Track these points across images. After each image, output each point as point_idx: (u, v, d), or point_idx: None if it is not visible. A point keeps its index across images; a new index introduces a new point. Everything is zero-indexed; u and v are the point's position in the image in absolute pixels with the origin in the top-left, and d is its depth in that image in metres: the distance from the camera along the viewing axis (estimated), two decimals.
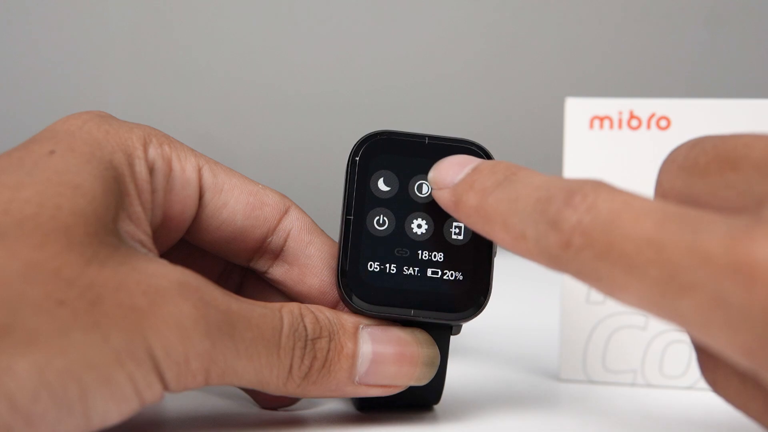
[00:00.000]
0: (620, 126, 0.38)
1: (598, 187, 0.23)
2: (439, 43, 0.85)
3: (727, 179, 0.23)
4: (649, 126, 0.38)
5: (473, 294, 0.30)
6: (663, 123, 0.38)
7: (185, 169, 0.30)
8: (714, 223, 0.21)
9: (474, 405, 0.34)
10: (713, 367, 0.25)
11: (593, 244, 0.22)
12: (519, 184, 0.25)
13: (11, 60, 0.81)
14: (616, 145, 0.38)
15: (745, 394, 0.24)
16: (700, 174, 0.24)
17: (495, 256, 0.31)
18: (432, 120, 0.84)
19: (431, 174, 0.29)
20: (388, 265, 0.30)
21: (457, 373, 0.35)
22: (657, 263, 0.21)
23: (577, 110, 0.39)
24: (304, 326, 0.28)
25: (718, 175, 0.23)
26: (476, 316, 0.30)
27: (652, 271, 0.21)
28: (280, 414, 0.32)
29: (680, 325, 0.21)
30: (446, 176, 0.28)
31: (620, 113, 0.38)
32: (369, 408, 0.32)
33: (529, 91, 0.85)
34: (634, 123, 0.38)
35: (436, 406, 0.33)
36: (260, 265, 0.33)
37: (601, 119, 0.38)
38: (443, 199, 0.28)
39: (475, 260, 0.31)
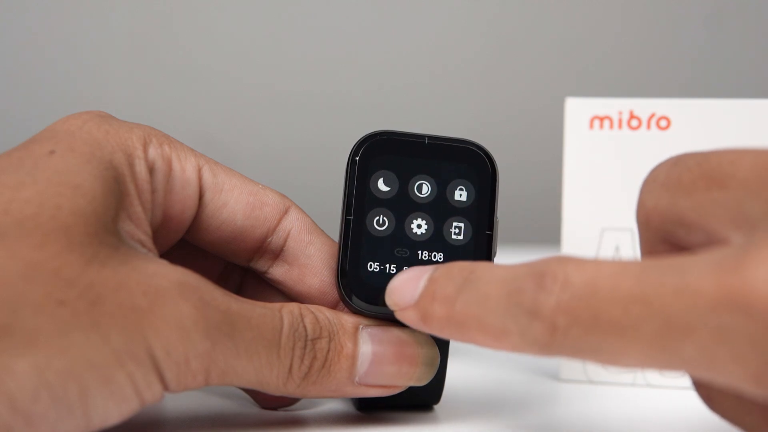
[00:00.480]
0: (620, 126, 0.38)
1: (563, 262, 0.22)
2: (439, 42, 0.85)
3: (714, 197, 0.22)
4: (649, 126, 0.38)
5: None
6: (663, 123, 0.38)
7: (185, 169, 0.30)
8: (696, 261, 0.20)
9: (474, 405, 0.34)
10: (707, 385, 0.25)
11: (579, 320, 0.21)
12: (481, 282, 0.24)
13: (11, 60, 0.81)
14: (616, 145, 0.38)
15: (741, 409, 0.24)
16: (685, 192, 0.23)
17: (495, 256, 0.31)
18: (432, 120, 0.84)
19: (388, 298, 0.28)
20: (387, 266, 0.30)
21: (457, 373, 0.35)
22: (648, 318, 0.20)
23: (577, 110, 0.39)
24: (304, 326, 0.28)
25: (704, 193, 0.23)
26: None
27: (645, 328, 0.20)
28: (280, 414, 0.32)
29: (688, 371, 0.21)
30: (404, 295, 0.27)
31: (620, 113, 0.38)
32: (369, 408, 0.32)
33: (529, 91, 0.85)
34: (634, 123, 0.38)
35: (436, 406, 0.33)
36: (260, 265, 0.33)
37: (601, 119, 0.38)
38: (409, 319, 0.27)
39: (475, 260, 0.30)
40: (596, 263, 0.22)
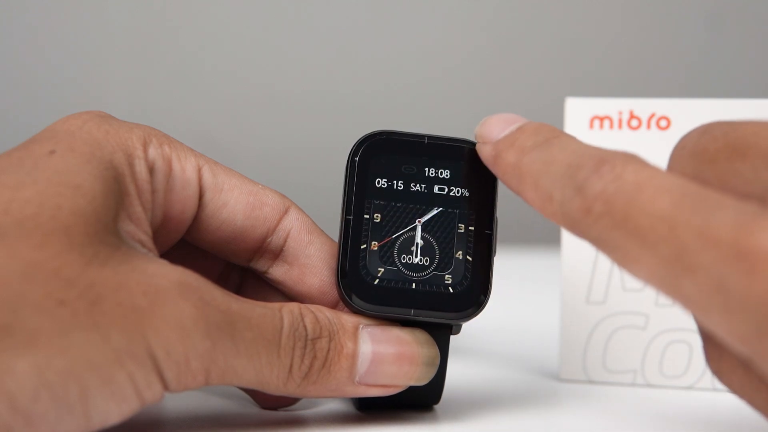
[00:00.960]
0: (620, 126, 0.38)
1: (628, 159, 0.24)
2: (439, 42, 0.85)
3: (735, 167, 0.23)
4: (649, 126, 0.38)
5: (473, 294, 0.30)
6: (663, 123, 0.38)
7: (185, 169, 0.30)
8: (726, 207, 0.21)
9: (474, 405, 0.34)
10: (718, 357, 0.25)
11: (612, 214, 0.23)
12: (556, 147, 0.26)
13: (11, 60, 0.81)
14: (616, 146, 0.38)
15: (750, 386, 0.24)
16: (710, 161, 0.24)
17: (494, 255, 0.31)
18: (432, 120, 0.84)
19: (478, 128, 0.29)
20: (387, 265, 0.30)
21: (457, 373, 0.35)
22: (668, 241, 0.21)
23: (577, 110, 0.39)
24: (304, 326, 0.28)
25: (726, 163, 0.23)
26: (476, 315, 0.30)
27: (662, 248, 0.22)
28: (281, 414, 0.32)
29: (683, 305, 0.22)
30: (491, 131, 0.29)
31: (620, 113, 0.38)
32: (369, 408, 0.32)
33: (529, 91, 0.85)
34: (634, 123, 0.38)
35: (436, 406, 0.33)
36: (260, 265, 0.33)
37: (601, 119, 0.38)
38: (484, 153, 0.29)
39: (475, 261, 0.30)
40: (653, 172, 0.23)
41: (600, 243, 0.24)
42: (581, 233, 0.24)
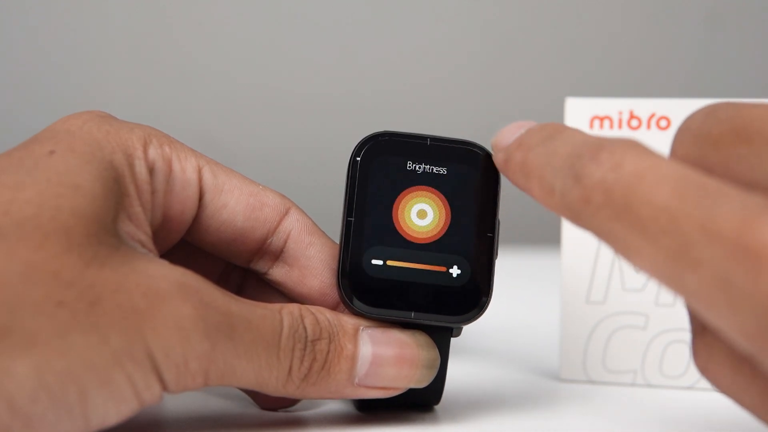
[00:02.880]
0: (620, 126, 0.38)
1: (628, 145, 0.23)
2: (439, 43, 0.85)
3: (739, 152, 0.23)
4: (649, 126, 0.38)
5: (474, 296, 0.30)
6: (663, 123, 0.38)
7: (185, 169, 0.30)
8: (730, 199, 0.20)
9: (474, 405, 0.34)
10: (707, 354, 0.25)
11: (612, 204, 0.22)
12: (559, 141, 0.26)
13: (11, 60, 0.81)
14: None
15: (737, 385, 0.24)
16: (713, 145, 0.23)
17: (496, 257, 0.31)
18: (432, 120, 0.84)
19: (493, 139, 0.29)
20: None
21: (457, 373, 0.35)
22: (670, 233, 0.21)
23: (577, 110, 0.39)
24: (304, 328, 0.28)
25: (731, 148, 0.23)
26: (477, 318, 0.30)
27: (664, 240, 0.21)
28: (281, 415, 0.32)
29: (685, 298, 0.21)
30: (503, 139, 0.28)
31: (620, 113, 0.38)
32: (369, 408, 0.32)
33: (529, 91, 0.85)
34: (634, 123, 0.38)
35: (436, 406, 0.33)
36: (260, 266, 0.33)
37: (601, 119, 0.38)
38: (498, 160, 0.29)
39: (475, 262, 0.30)
40: (654, 159, 0.22)
41: (601, 233, 0.23)
42: (582, 224, 0.24)
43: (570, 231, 0.39)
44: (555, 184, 0.24)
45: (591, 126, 0.38)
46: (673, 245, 0.21)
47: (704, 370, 0.25)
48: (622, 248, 0.22)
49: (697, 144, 0.24)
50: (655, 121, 0.38)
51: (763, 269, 0.19)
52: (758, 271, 0.19)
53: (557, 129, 0.26)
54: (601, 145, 0.23)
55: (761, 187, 0.22)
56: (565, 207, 0.24)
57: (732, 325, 0.20)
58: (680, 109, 0.38)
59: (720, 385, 0.25)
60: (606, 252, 0.38)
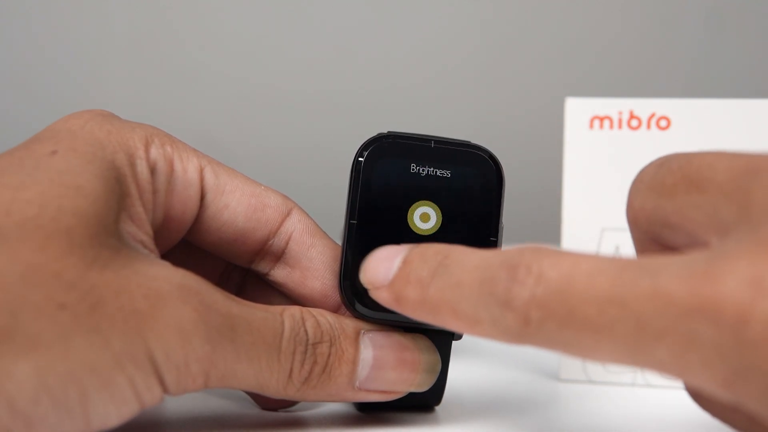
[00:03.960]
0: (620, 126, 0.38)
1: (539, 254, 0.22)
2: (439, 43, 0.85)
3: (693, 200, 0.23)
4: (649, 126, 0.38)
5: None
6: (663, 123, 0.38)
7: (187, 169, 0.30)
8: (671, 265, 0.20)
9: (474, 405, 0.34)
10: (707, 401, 0.25)
11: (553, 315, 0.21)
12: (454, 268, 0.24)
13: (11, 60, 0.81)
14: (616, 145, 0.38)
15: (729, 408, 0.24)
16: (668, 194, 0.23)
17: None
18: (432, 120, 0.84)
19: (362, 276, 0.27)
20: None
21: (457, 374, 0.35)
22: (623, 319, 0.20)
23: (577, 110, 0.39)
24: (305, 330, 0.28)
25: (685, 196, 0.23)
26: None
27: (619, 329, 0.20)
28: (281, 415, 0.32)
29: (659, 372, 0.21)
30: (377, 275, 0.27)
31: (620, 113, 0.38)
32: (369, 409, 0.32)
33: (529, 91, 0.85)
34: (634, 123, 0.38)
35: (436, 407, 0.33)
36: (262, 266, 0.33)
37: (601, 119, 0.38)
38: (383, 299, 0.26)
39: None
40: (573, 258, 0.22)
41: (553, 346, 0.22)
42: (528, 342, 0.23)
43: (570, 231, 0.39)
44: (479, 315, 0.23)
45: (591, 126, 0.38)
46: (630, 329, 0.20)
47: (697, 399, 0.25)
48: (578, 352, 0.22)
49: (653, 195, 0.24)
50: (655, 121, 0.38)
51: (724, 320, 0.19)
52: (720, 323, 0.19)
53: (441, 254, 0.25)
54: (511, 262, 0.23)
55: (715, 238, 0.22)
56: (502, 333, 0.23)
57: (710, 380, 0.20)
58: (680, 109, 0.38)
59: (714, 412, 0.25)
60: (606, 252, 0.38)
